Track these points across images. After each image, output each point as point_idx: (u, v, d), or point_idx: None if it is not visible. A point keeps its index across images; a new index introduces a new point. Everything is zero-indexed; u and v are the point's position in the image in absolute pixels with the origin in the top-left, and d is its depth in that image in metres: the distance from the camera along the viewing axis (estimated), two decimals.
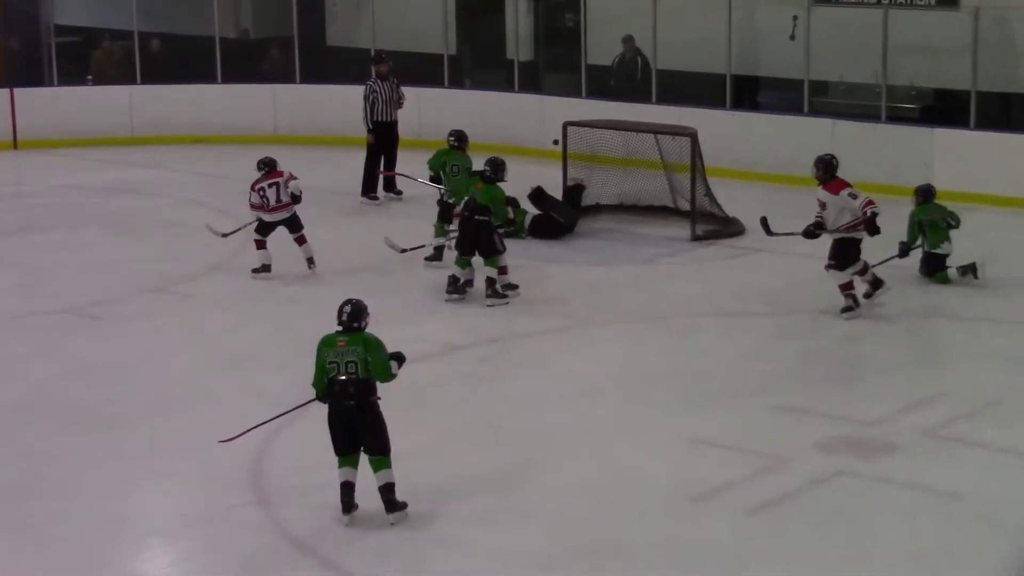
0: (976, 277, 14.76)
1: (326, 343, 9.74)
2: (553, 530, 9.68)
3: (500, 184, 14.65)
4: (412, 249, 15.69)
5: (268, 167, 15.41)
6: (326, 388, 9.71)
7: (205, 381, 12.57)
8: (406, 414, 10.31)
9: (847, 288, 13.93)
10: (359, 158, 19.11)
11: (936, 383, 12.34)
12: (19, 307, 14.77)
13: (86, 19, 25.42)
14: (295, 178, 15.34)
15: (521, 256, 15.70)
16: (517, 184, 16.09)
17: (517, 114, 21.66)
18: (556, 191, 17.38)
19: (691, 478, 10.43)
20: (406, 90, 19.36)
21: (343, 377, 9.61)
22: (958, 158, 18.21)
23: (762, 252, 15.94)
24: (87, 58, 23.97)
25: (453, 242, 15.22)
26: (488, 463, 10.72)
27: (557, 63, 22.95)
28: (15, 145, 22.47)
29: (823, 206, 13.88)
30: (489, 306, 14.33)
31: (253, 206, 15.39)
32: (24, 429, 11.59)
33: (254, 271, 15.42)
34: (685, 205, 17.22)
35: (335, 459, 9.74)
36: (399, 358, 9.82)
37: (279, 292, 15.06)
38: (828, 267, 13.94)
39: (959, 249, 14.85)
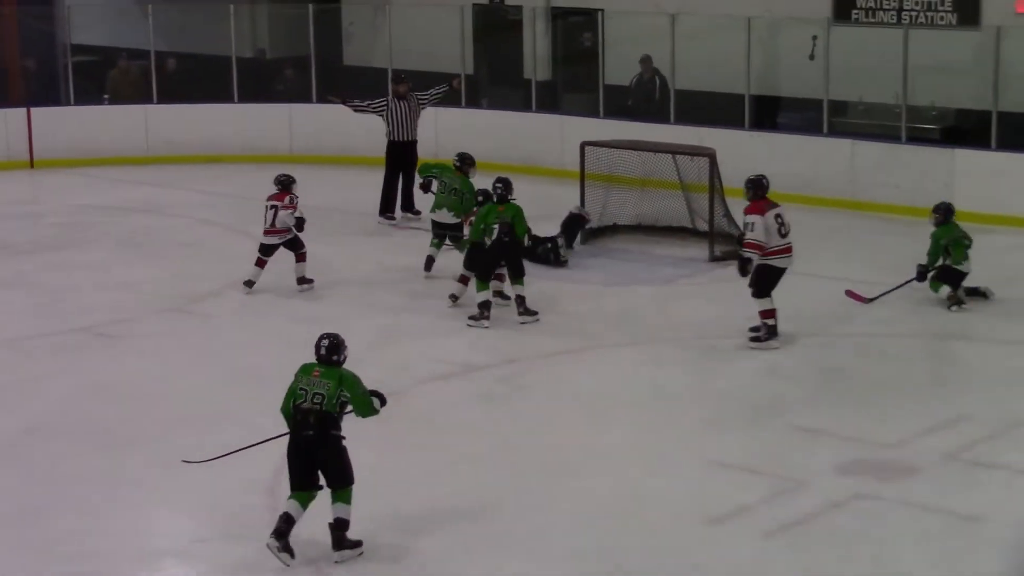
0: (987, 297, 14.79)
1: (304, 370, 9.63)
2: (571, 553, 9.60)
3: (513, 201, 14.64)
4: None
5: (279, 186, 15.36)
6: (292, 414, 9.55)
7: (220, 399, 12.52)
8: (423, 435, 10.23)
9: (767, 316, 13.57)
10: (377, 178, 19.07)
11: (956, 405, 12.23)
12: (35, 326, 14.74)
13: (102, 38, 25.51)
14: (291, 208, 15.17)
15: (542, 278, 15.67)
16: (536, 204, 16.04)
17: (535, 134, 21.63)
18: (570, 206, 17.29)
19: (709, 500, 10.36)
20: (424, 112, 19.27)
21: (306, 405, 9.45)
22: (979, 179, 18.10)
23: None
24: (103, 77, 24.04)
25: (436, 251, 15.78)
26: (504, 485, 10.66)
27: (575, 83, 22.91)
28: (31, 164, 22.50)
29: (753, 227, 13.48)
30: (522, 323, 14.35)
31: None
32: (40, 448, 11.57)
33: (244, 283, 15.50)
34: (703, 226, 17.15)
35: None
36: (379, 397, 9.67)
37: (294, 311, 15.01)
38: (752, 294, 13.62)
39: (977, 268, 14.79)
